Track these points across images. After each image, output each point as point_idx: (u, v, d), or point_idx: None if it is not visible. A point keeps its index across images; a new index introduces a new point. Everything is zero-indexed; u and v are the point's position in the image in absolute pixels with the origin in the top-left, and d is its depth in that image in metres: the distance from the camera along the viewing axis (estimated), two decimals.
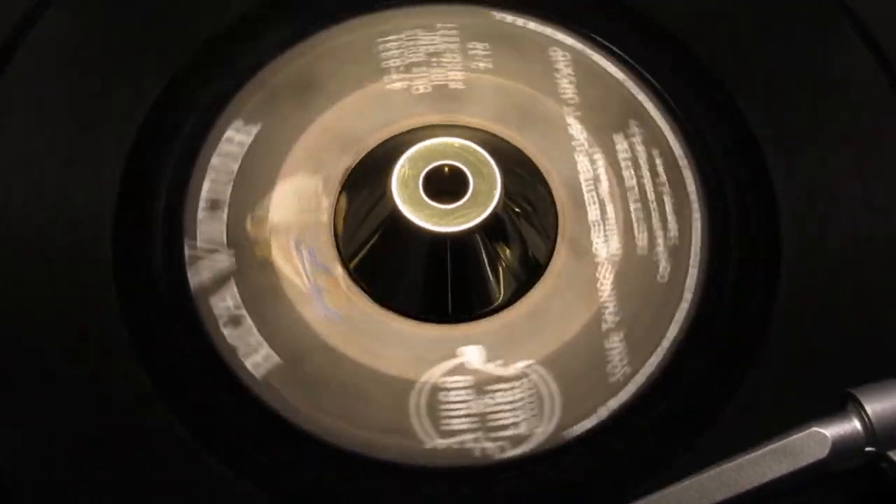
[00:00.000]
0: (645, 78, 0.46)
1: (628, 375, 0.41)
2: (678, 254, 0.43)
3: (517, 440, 0.40)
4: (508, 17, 0.47)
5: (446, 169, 0.42)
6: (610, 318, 0.42)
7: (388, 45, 0.46)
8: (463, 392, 0.41)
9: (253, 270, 0.42)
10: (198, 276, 0.42)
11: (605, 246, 0.43)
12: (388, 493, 0.40)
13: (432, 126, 0.44)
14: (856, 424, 0.38)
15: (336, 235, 0.43)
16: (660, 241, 0.43)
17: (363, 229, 0.43)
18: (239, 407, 0.41)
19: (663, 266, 0.43)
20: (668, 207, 0.44)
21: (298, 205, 0.43)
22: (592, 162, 0.45)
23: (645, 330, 0.42)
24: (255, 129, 0.44)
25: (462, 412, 0.41)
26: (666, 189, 0.44)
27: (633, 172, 0.44)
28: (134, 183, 0.44)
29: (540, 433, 0.41)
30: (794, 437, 0.37)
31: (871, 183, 0.44)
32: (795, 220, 0.44)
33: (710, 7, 0.48)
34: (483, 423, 0.41)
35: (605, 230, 0.44)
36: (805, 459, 0.37)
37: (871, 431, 0.37)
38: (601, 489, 0.40)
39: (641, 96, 0.46)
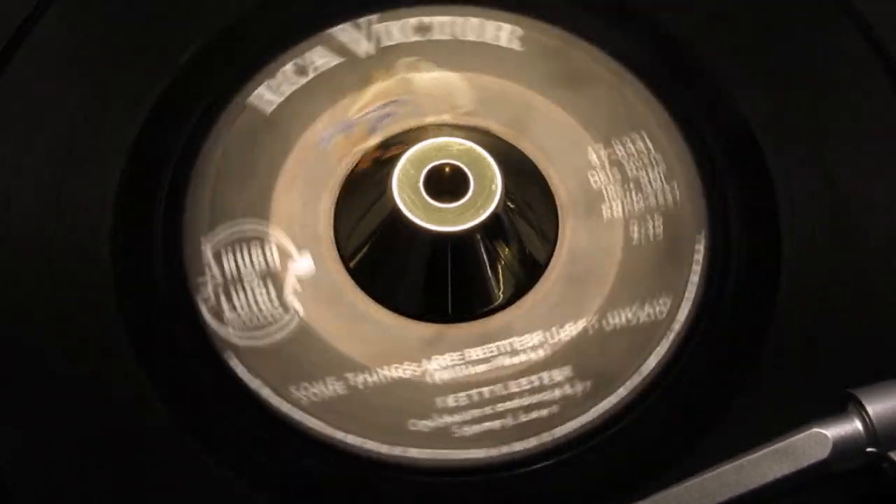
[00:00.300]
0: (644, 78, 0.46)
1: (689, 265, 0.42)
2: (679, 254, 0.43)
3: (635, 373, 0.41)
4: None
5: (447, 168, 0.42)
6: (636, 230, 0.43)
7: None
8: (556, 372, 0.41)
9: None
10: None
11: (608, 209, 0.44)
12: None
13: (432, 126, 0.45)
14: (857, 425, 0.37)
15: (336, 235, 0.43)
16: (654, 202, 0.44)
17: (363, 229, 0.43)
18: (238, 406, 0.41)
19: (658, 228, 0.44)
20: (660, 172, 0.44)
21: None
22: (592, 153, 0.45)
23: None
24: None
25: (561, 378, 0.41)
26: (658, 161, 0.45)
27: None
28: (134, 183, 0.44)
29: (649, 360, 0.41)
30: (795, 437, 0.37)
31: (872, 182, 0.44)
32: (795, 220, 0.44)
33: (709, 6, 0.48)
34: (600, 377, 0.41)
35: (607, 198, 0.44)
36: (806, 460, 0.37)
37: (873, 432, 0.37)
38: (601, 490, 0.40)
39: (635, 93, 0.46)
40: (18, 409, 0.40)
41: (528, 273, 0.43)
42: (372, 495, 0.40)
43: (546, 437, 0.41)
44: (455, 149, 0.42)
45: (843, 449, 0.37)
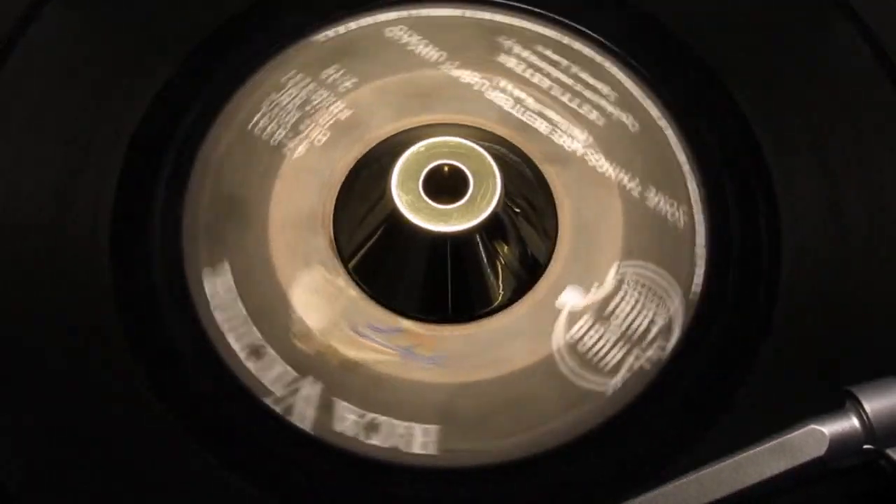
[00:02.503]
0: (645, 77, 0.46)
1: (689, 213, 0.43)
2: (679, 255, 0.43)
3: (666, 331, 0.42)
4: (327, 34, 0.47)
5: (446, 168, 0.42)
6: (632, 184, 0.44)
7: (260, 124, 0.45)
8: (593, 331, 0.42)
9: (343, 376, 0.41)
10: (306, 418, 0.41)
11: (573, 140, 0.44)
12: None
13: (432, 125, 0.45)
14: (854, 422, 0.38)
15: (336, 236, 0.43)
16: (605, 104, 0.45)
17: (363, 230, 0.43)
18: (260, 421, 0.41)
19: (626, 118, 0.45)
20: (588, 78, 0.46)
21: (322, 298, 0.43)
22: (503, 90, 0.46)
23: (666, 175, 0.44)
24: (225, 267, 0.43)
25: (608, 346, 0.41)
26: (573, 66, 0.46)
27: (539, 76, 0.46)
28: (132, 182, 0.44)
29: (675, 311, 0.42)
30: (793, 434, 0.37)
31: (872, 182, 0.45)
32: (796, 220, 0.44)
33: (709, 6, 0.48)
34: (630, 340, 0.41)
35: (562, 131, 0.45)
36: (803, 457, 0.37)
37: (870, 429, 0.37)
38: (602, 488, 0.40)
39: (638, 92, 0.46)
40: (18, 408, 0.41)
41: (529, 272, 0.43)
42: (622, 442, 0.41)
43: (685, 310, 0.42)
44: (454, 148, 0.42)
45: (841, 446, 0.37)
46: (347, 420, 0.40)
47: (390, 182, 0.41)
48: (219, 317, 0.42)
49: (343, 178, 0.44)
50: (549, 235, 0.43)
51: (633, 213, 0.44)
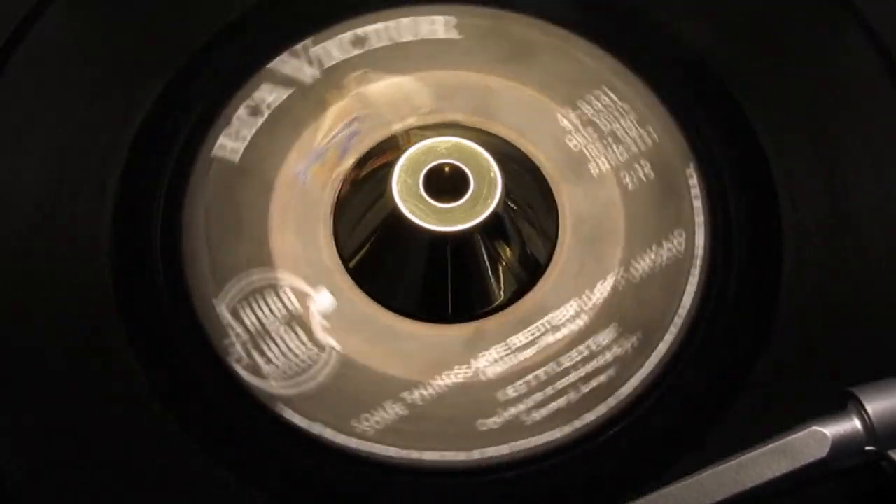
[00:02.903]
0: (645, 78, 0.46)
1: (689, 258, 0.43)
2: (675, 189, 0.44)
3: (638, 367, 0.41)
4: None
5: (446, 168, 0.42)
6: (641, 230, 0.44)
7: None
8: (564, 358, 0.42)
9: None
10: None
11: (597, 169, 0.44)
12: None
13: (448, 125, 0.45)
14: (856, 423, 0.38)
15: (336, 235, 0.43)
16: (633, 140, 0.45)
17: (363, 229, 0.43)
18: (305, 451, 0.41)
19: (651, 160, 0.44)
20: (626, 113, 0.45)
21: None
22: (574, 129, 0.45)
23: (677, 222, 0.43)
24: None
25: (580, 375, 0.41)
26: (611, 97, 0.45)
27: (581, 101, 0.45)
28: (133, 182, 0.44)
29: (654, 350, 0.42)
30: (794, 436, 0.37)
31: (873, 182, 0.45)
32: (797, 220, 0.44)
33: (710, 7, 0.48)
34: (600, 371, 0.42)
35: (590, 157, 0.45)
36: (805, 458, 0.37)
37: (872, 430, 0.37)
38: (602, 489, 0.40)
39: (587, 52, 0.46)
40: (18, 409, 0.41)
41: (529, 272, 0.43)
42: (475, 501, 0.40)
43: (612, 402, 0.41)
44: (455, 148, 0.42)
45: (842, 447, 0.37)
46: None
47: (391, 181, 0.41)
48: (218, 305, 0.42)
49: (333, 205, 0.44)
50: (549, 238, 0.43)
51: (634, 255, 0.43)
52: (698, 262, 0.43)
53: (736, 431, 0.40)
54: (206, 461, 0.40)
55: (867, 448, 0.37)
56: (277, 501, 0.40)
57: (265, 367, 0.41)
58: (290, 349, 0.41)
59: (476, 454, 0.40)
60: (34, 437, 0.40)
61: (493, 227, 0.42)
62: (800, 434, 0.37)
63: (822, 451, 0.37)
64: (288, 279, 0.42)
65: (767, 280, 0.43)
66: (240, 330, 0.41)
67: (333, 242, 0.43)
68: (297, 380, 0.41)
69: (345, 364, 0.41)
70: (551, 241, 0.43)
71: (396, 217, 0.41)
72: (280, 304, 0.42)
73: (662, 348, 0.42)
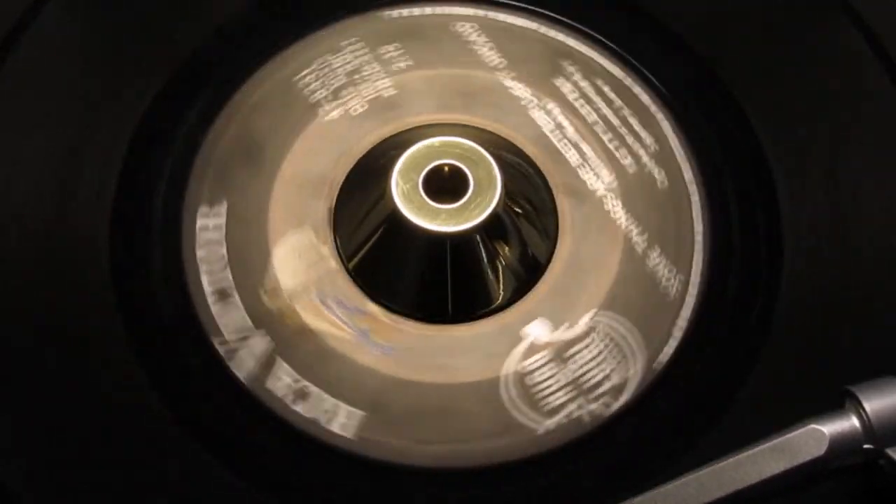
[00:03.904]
0: (645, 77, 0.47)
1: (683, 284, 0.43)
2: (678, 250, 0.43)
3: (617, 390, 0.41)
4: (400, 12, 0.48)
5: (446, 168, 0.42)
6: (639, 239, 0.43)
7: (306, 80, 0.46)
8: (546, 368, 0.41)
9: (294, 340, 0.42)
10: (243, 367, 0.41)
11: (597, 180, 0.44)
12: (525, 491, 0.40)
13: (431, 125, 0.45)
14: (854, 422, 0.37)
15: (336, 235, 0.43)
16: (643, 153, 0.45)
17: (363, 230, 0.43)
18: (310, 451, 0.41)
19: (658, 173, 0.44)
20: (635, 124, 0.45)
21: (303, 261, 0.43)
22: (548, 112, 0.45)
23: (676, 239, 0.43)
24: (223, 208, 0.44)
25: (555, 387, 0.41)
26: (624, 108, 0.45)
27: (588, 108, 0.45)
28: (132, 183, 0.44)
29: (633, 375, 0.41)
30: (793, 434, 0.37)
31: (873, 181, 0.44)
32: (797, 220, 0.44)
33: (710, 5, 0.48)
34: (579, 388, 0.41)
35: (591, 167, 0.44)
36: (803, 457, 0.37)
37: (870, 429, 0.37)
38: (602, 487, 0.40)
39: (679, 151, 0.46)
40: (18, 409, 0.41)
41: (529, 272, 0.43)
42: (540, 480, 0.41)
43: (640, 376, 0.42)
44: (454, 148, 0.42)
45: (840, 446, 0.37)
46: (282, 381, 0.41)
47: (390, 182, 0.41)
48: (199, 253, 0.43)
49: (363, 153, 0.44)
50: (546, 252, 0.43)
51: (630, 267, 0.43)
52: (699, 252, 0.43)
53: (737, 431, 0.40)
54: (221, 472, 0.40)
55: (865, 446, 0.37)
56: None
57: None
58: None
59: (495, 451, 0.40)
60: (34, 437, 0.40)
61: (495, 225, 0.42)
62: (798, 432, 0.37)
63: (820, 450, 0.37)
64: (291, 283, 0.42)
65: (767, 279, 0.43)
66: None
67: (336, 249, 0.43)
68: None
69: (362, 372, 0.41)
70: (552, 235, 0.43)
71: (396, 217, 0.41)
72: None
73: (668, 341, 0.42)
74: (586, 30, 0.47)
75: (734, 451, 0.37)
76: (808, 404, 0.38)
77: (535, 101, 0.46)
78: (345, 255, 0.43)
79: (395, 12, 0.47)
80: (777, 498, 0.37)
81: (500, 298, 0.43)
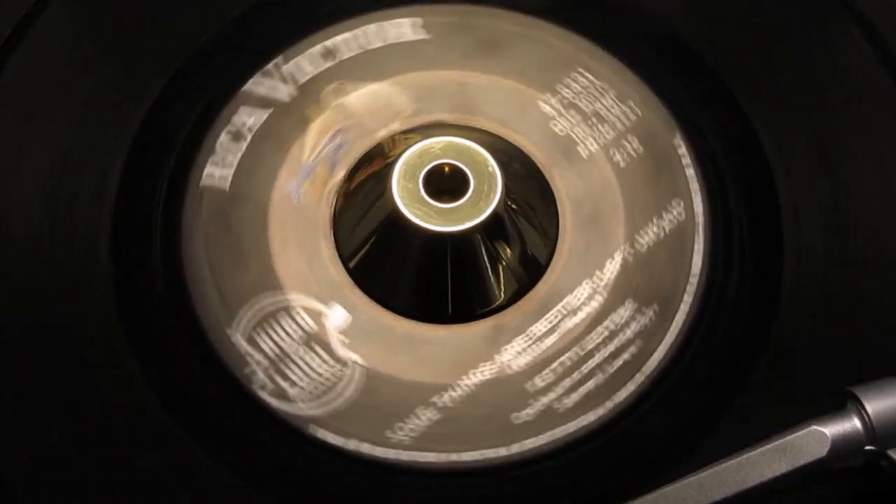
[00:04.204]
0: (618, 55, 0.46)
1: (689, 258, 0.43)
2: (666, 160, 0.44)
3: (642, 367, 0.42)
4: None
5: (446, 168, 0.42)
6: (640, 227, 0.44)
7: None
8: (552, 364, 0.42)
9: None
10: (256, 379, 0.41)
11: (597, 172, 0.45)
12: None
13: (433, 125, 0.45)
14: (856, 423, 0.38)
15: (335, 235, 0.43)
16: (631, 136, 0.45)
17: (362, 229, 0.43)
18: (344, 469, 0.41)
19: (654, 163, 0.45)
20: (617, 105, 0.45)
21: (301, 258, 0.43)
22: (541, 108, 0.45)
23: (678, 228, 0.43)
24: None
25: (561, 381, 0.41)
26: (608, 90, 0.46)
27: (584, 101, 0.46)
28: (133, 181, 0.44)
29: (656, 348, 0.42)
30: (794, 435, 0.38)
31: (874, 180, 0.45)
32: (797, 221, 0.44)
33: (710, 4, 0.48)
34: (604, 370, 0.42)
35: (588, 160, 0.45)
36: (805, 458, 0.37)
37: (871, 430, 0.38)
38: (602, 489, 0.40)
39: (559, 37, 0.46)
40: (18, 410, 0.41)
41: (529, 272, 0.43)
42: (519, 495, 0.40)
43: (640, 377, 0.41)
44: (455, 148, 0.42)
45: (842, 447, 0.38)
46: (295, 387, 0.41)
47: (391, 181, 0.41)
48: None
49: (330, 219, 0.44)
50: (551, 224, 0.44)
51: (631, 254, 0.43)
52: (700, 227, 0.44)
53: (739, 432, 0.40)
54: (246, 491, 0.40)
55: (867, 447, 0.38)
56: None
57: (291, 391, 0.41)
58: (312, 369, 0.41)
59: (515, 448, 0.40)
60: (34, 438, 0.40)
61: (497, 224, 0.42)
62: (800, 433, 0.38)
63: (821, 451, 0.38)
64: (298, 299, 0.42)
65: (769, 280, 0.43)
66: (259, 357, 0.41)
67: (337, 257, 0.43)
68: (324, 399, 0.41)
69: (370, 376, 0.41)
70: (553, 226, 0.43)
71: (400, 221, 0.41)
72: (295, 326, 0.42)
73: (680, 318, 0.42)
74: (579, 30, 0.47)
75: (736, 452, 0.38)
76: (808, 405, 0.38)
77: (530, 98, 0.45)
78: (350, 267, 0.43)
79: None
80: (779, 498, 0.38)
81: (501, 297, 0.43)
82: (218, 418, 0.41)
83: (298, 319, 0.42)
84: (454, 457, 0.40)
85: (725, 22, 0.48)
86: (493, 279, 0.43)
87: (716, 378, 0.42)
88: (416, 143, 0.42)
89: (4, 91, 0.45)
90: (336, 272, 0.43)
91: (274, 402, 0.41)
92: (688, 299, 0.43)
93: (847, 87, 0.46)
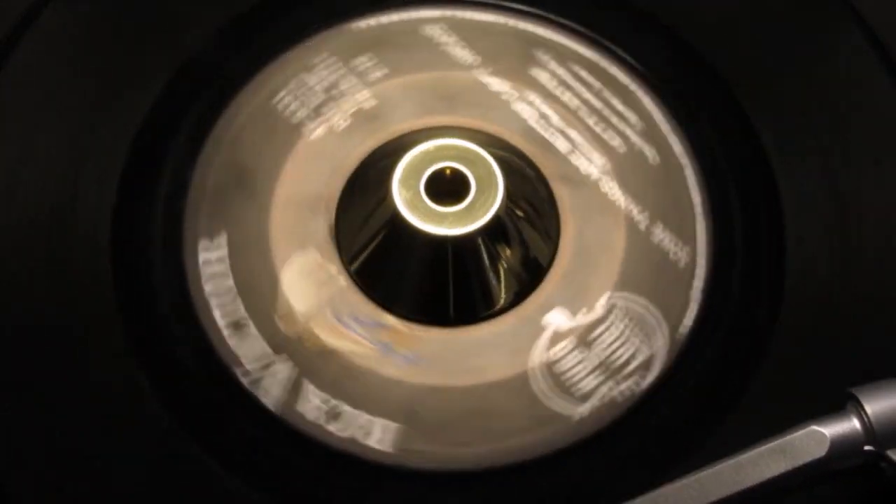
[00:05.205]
0: (673, 110, 0.47)
1: (691, 255, 0.43)
2: (680, 222, 0.44)
3: (646, 365, 0.42)
4: (368, 22, 0.48)
5: (447, 171, 0.42)
6: (640, 216, 0.44)
7: (285, 101, 0.46)
8: (572, 355, 0.42)
9: (317, 362, 0.42)
10: (271, 395, 0.41)
11: (590, 164, 0.45)
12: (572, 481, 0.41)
13: (431, 129, 0.45)
14: (855, 424, 0.38)
15: (337, 223, 0.44)
16: (629, 133, 0.45)
17: (364, 233, 0.43)
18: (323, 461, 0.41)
19: (648, 150, 0.45)
20: (618, 104, 0.46)
21: (312, 282, 0.43)
22: (530, 104, 0.46)
23: (676, 212, 0.44)
24: (223, 239, 0.44)
25: (584, 372, 0.42)
26: (605, 90, 0.46)
27: (570, 94, 0.46)
28: (134, 182, 0.44)
29: (660, 346, 0.42)
30: (794, 435, 0.38)
31: (874, 183, 0.45)
32: (799, 222, 0.44)
33: (751, 44, 0.48)
34: (608, 369, 0.42)
35: (581, 153, 0.45)
36: (804, 458, 0.37)
37: (871, 431, 0.38)
38: (603, 490, 0.40)
39: (665, 125, 0.46)
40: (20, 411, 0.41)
41: (531, 274, 0.43)
42: (582, 468, 0.41)
43: (667, 347, 0.42)
44: (456, 151, 0.42)
45: (841, 447, 0.38)
46: (311, 403, 0.41)
47: (392, 185, 0.42)
48: (207, 288, 0.43)
49: (354, 167, 0.44)
50: (548, 251, 0.44)
51: (636, 245, 0.44)
52: (700, 226, 0.44)
53: (740, 433, 0.39)
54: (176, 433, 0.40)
55: (866, 448, 0.38)
56: None
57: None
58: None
59: (538, 441, 0.41)
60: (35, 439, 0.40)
61: (499, 224, 0.42)
62: (799, 433, 0.38)
63: (821, 451, 0.37)
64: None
65: (771, 282, 0.43)
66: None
67: (343, 265, 0.43)
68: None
69: (390, 384, 0.42)
70: (555, 223, 0.44)
71: (397, 221, 0.41)
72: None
73: (684, 317, 0.43)
74: (555, 17, 0.48)
75: (735, 452, 0.38)
76: (811, 407, 0.38)
77: (516, 94, 0.46)
78: (352, 269, 0.43)
79: (363, 23, 0.47)
80: (778, 499, 0.38)
81: (511, 294, 0.43)
82: (244, 443, 0.41)
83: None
84: (478, 451, 0.41)
85: (722, 18, 0.48)
86: (504, 276, 0.43)
87: (719, 377, 0.42)
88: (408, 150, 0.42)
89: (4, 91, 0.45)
90: (341, 279, 0.43)
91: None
92: (694, 296, 0.43)
93: (845, 86, 0.47)
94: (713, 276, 0.43)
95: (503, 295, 0.43)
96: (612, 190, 0.44)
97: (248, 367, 0.41)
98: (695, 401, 0.42)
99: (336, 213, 0.44)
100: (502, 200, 0.41)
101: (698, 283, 0.43)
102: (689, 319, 0.43)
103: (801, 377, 0.42)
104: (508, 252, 0.43)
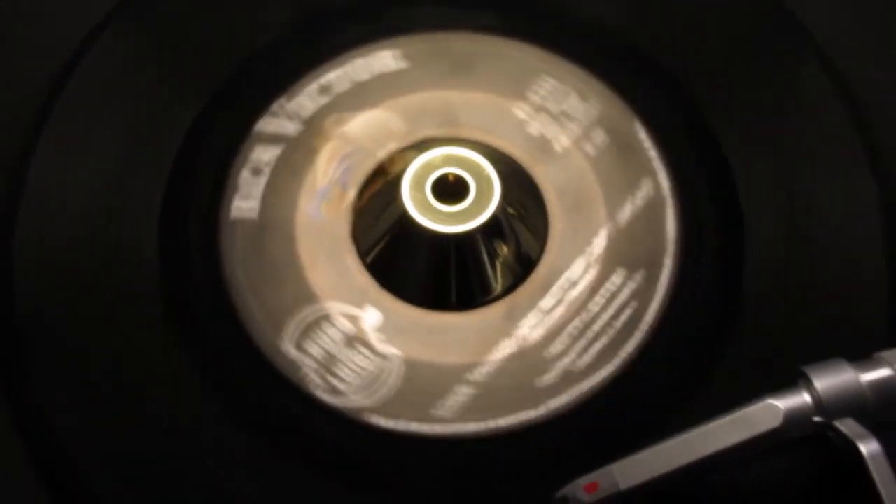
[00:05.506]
0: (576, 61, 0.49)
1: (661, 239, 0.46)
2: (657, 221, 0.47)
3: (631, 329, 0.45)
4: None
5: (450, 176, 0.45)
6: (618, 201, 0.47)
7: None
8: (564, 331, 0.45)
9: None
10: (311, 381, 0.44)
11: (573, 162, 0.48)
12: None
13: (436, 139, 0.48)
14: (805, 398, 0.40)
15: (354, 234, 0.46)
16: (602, 133, 0.48)
17: (377, 229, 0.46)
18: (398, 448, 0.44)
19: (619, 151, 0.48)
20: (575, 98, 0.49)
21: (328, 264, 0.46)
22: (529, 116, 0.49)
23: (648, 199, 0.47)
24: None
25: (575, 345, 0.45)
26: (568, 91, 0.49)
27: (551, 101, 0.49)
28: (169, 254, 0.47)
29: (645, 314, 0.45)
30: (751, 408, 0.40)
31: (825, 182, 0.48)
32: (758, 225, 0.47)
33: (678, 24, 0.51)
34: (597, 338, 0.45)
35: (562, 153, 0.48)
36: (760, 428, 0.40)
37: (819, 403, 0.40)
38: (575, 463, 0.41)
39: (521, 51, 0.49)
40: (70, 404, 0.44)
41: (523, 267, 0.46)
42: (558, 451, 0.43)
43: (639, 333, 0.45)
44: (458, 158, 0.45)
45: (793, 418, 0.40)
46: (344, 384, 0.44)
47: (402, 187, 0.45)
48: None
49: (350, 233, 0.47)
50: (539, 242, 0.47)
51: (615, 227, 0.47)
52: (668, 199, 0.47)
53: (707, 410, 0.41)
54: (312, 482, 0.43)
55: (815, 419, 0.40)
56: (390, 497, 0.43)
57: (341, 386, 0.44)
58: (357, 365, 0.44)
59: (542, 409, 0.44)
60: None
61: (497, 222, 0.45)
62: (756, 406, 0.40)
63: (775, 422, 0.40)
64: (335, 307, 0.45)
65: (732, 278, 0.46)
66: (309, 361, 0.44)
67: (361, 265, 0.46)
68: (372, 389, 0.44)
69: (409, 365, 0.44)
70: (542, 215, 0.47)
71: (406, 219, 0.44)
72: (336, 330, 0.45)
73: (665, 278, 0.45)
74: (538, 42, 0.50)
75: (701, 422, 0.40)
76: (767, 382, 0.41)
77: (505, 107, 0.48)
78: (375, 272, 0.46)
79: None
80: (738, 464, 0.40)
81: (511, 280, 0.46)
82: (281, 418, 0.44)
83: (338, 324, 0.45)
84: (492, 423, 0.43)
85: (673, 22, 0.50)
86: (500, 268, 0.46)
87: (703, 326, 0.45)
88: (415, 157, 0.45)
89: (61, 115, 0.48)
90: (362, 278, 0.46)
91: (328, 398, 0.44)
92: (668, 262, 0.46)
93: (785, 88, 0.49)
94: (686, 240, 0.46)
95: (511, 276, 0.46)
96: (592, 182, 0.47)
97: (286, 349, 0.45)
98: (687, 350, 0.45)
99: (354, 205, 0.47)
100: (499, 202, 0.45)
101: (673, 248, 0.46)
102: (671, 280, 0.46)
103: (759, 359, 0.45)
104: (504, 247, 0.46)
